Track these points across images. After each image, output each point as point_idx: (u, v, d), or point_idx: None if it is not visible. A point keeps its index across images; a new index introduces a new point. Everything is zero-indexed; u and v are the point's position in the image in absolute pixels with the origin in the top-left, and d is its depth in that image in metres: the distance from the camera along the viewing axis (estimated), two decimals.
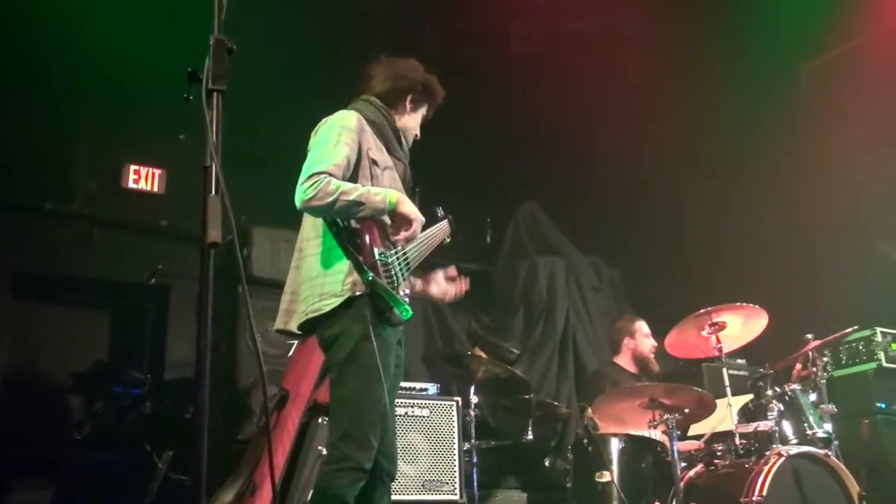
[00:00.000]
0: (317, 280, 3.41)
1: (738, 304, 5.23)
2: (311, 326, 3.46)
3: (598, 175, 8.18)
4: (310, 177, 3.30)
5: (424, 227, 3.70)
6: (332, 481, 3.22)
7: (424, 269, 3.86)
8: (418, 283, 3.88)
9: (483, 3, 7.11)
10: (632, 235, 8.57)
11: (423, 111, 3.91)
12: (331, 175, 3.31)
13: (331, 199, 3.26)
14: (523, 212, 8.82)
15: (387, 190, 3.44)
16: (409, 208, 3.46)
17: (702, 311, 5.24)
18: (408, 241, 3.53)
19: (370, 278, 3.26)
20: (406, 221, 3.47)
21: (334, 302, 3.33)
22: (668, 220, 8.19)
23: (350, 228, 3.39)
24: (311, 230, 3.54)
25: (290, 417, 4.81)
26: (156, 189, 6.90)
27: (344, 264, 3.36)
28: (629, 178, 8.15)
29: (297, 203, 3.32)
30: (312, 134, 3.61)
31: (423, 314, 7.61)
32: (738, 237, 7.78)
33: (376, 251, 3.34)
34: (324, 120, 3.61)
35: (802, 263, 7.39)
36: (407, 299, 3.47)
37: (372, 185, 3.50)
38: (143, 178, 6.87)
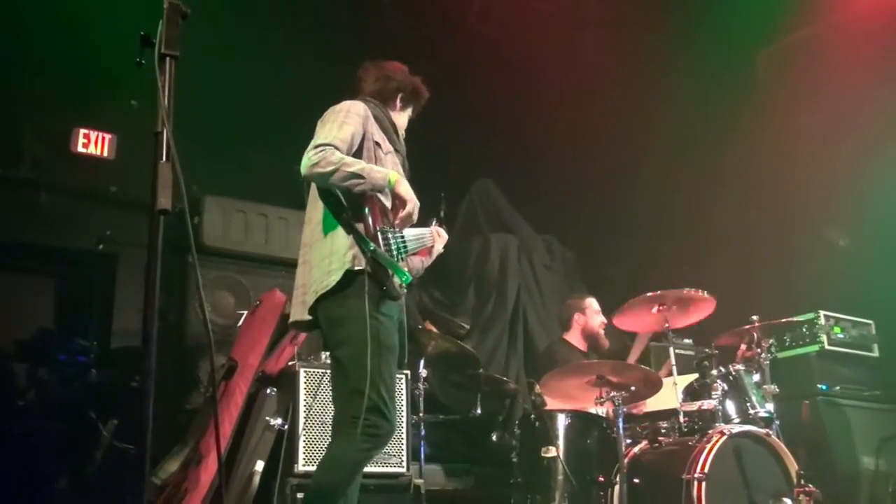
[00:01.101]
0: (324, 261, 3.53)
1: (688, 291, 5.28)
2: (315, 308, 3.56)
3: (554, 154, 8.21)
4: (316, 146, 3.47)
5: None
6: (361, 444, 3.36)
7: None
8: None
9: None
10: (585, 215, 8.62)
11: (409, 111, 4.12)
12: (334, 146, 3.48)
13: (332, 167, 3.42)
14: (478, 188, 8.82)
15: (387, 169, 3.61)
16: (407, 189, 3.60)
17: (650, 294, 5.29)
18: (404, 222, 3.64)
19: (372, 248, 3.42)
20: (402, 202, 3.60)
21: (338, 275, 3.44)
22: (621, 201, 8.25)
23: (353, 205, 3.54)
24: (314, 217, 3.69)
25: (238, 388, 4.79)
26: (106, 154, 6.76)
27: (346, 239, 3.50)
28: (584, 159, 8.19)
29: (303, 170, 3.47)
30: (321, 120, 3.72)
31: None
32: (690, 220, 7.87)
33: (377, 226, 3.49)
34: (331, 108, 3.74)
35: (751, 247, 7.50)
36: (406, 267, 3.60)
37: (376, 166, 3.64)
38: (93, 143, 6.73)
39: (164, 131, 2.27)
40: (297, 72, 6.80)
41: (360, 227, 3.49)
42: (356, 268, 3.44)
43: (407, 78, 4.08)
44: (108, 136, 6.73)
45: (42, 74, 6.45)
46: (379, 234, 3.48)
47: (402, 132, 4.07)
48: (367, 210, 3.50)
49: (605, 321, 6.25)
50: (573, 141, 8.04)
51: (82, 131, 6.68)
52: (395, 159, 3.86)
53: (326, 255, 3.53)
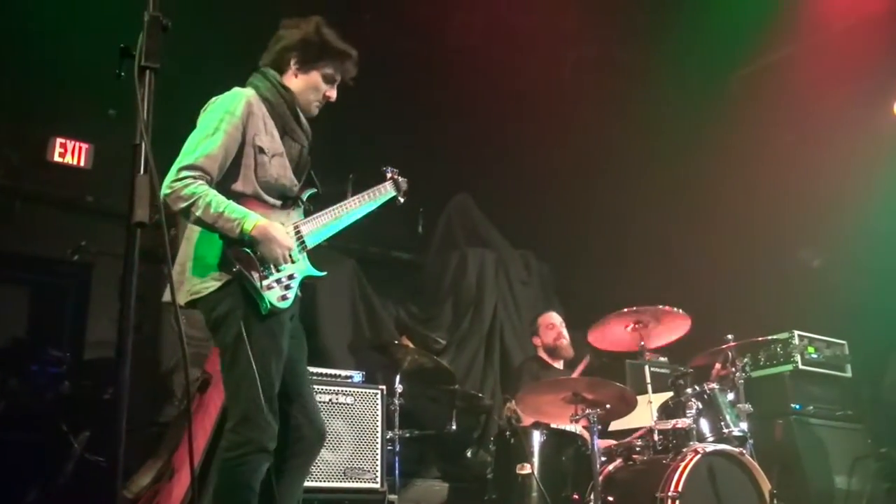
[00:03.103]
0: (200, 261, 3.28)
1: (663, 307, 5.32)
2: (193, 306, 3.33)
3: (531, 170, 8.23)
4: (177, 171, 3.14)
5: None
6: (237, 468, 3.16)
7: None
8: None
9: None
10: (562, 231, 8.65)
11: (318, 73, 3.57)
12: (200, 169, 3.16)
13: (183, 204, 3.11)
14: (456, 203, 8.84)
15: (247, 215, 3.20)
16: (268, 235, 3.23)
17: (626, 310, 5.32)
18: (272, 264, 3.31)
19: (236, 269, 3.18)
20: (265, 252, 3.25)
21: (213, 285, 3.22)
22: (598, 218, 8.29)
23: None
24: None
25: (213, 401, 4.75)
26: (82, 164, 6.74)
27: (224, 246, 3.22)
28: (562, 175, 8.23)
29: (161, 195, 3.07)
30: (202, 110, 3.42)
31: (351, 301, 7.58)
32: (665, 238, 7.91)
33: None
34: (213, 98, 3.43)
35: (725, 266, 7.54)
36: (292, 284, 3.36)
37: (256, 173, 3.35)
38: (70, 152, 6.70)
39: (143, 143, 2.26)
40: None
41: (228, 244, 3.21)
42: (234, 276, 3.20)
43: (299, 34, 3.55)
44: (84, 146, 6.70)
45: (19, 82, 6.41)
46: (245, 254, 3.21)
47: (309, 104, 3.58)
48: None
49: (563, 333, 6.30)
50: (550, 157, 8.08)
51: (59, 140, 6.65)
52: (284, 161, 3.46)
53: (201, 256, 3.27)
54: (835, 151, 7.04)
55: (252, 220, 3.19)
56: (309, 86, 3.58)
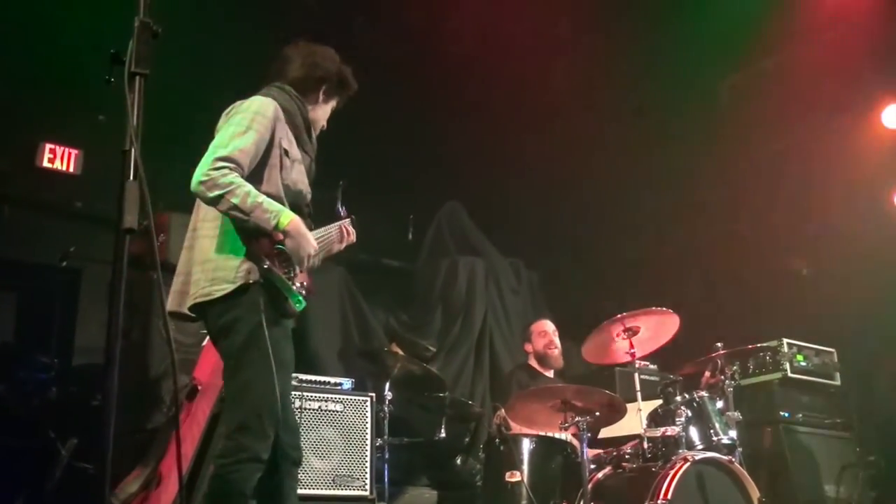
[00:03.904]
0: (209, 264, 3.30)
1: (650, 308, 5.34)
2: (199, 312, 3.35)
3: (522, 178, 8.24)
4: (213, 160, 3.19)
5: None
6: (230, 474, 3.15)
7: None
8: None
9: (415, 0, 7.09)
10: (551, 239, 8.66)
11: (333, 103, 3.80)
12: (234, 162, 3.21)
13: (218, 192, 3.14)
14: (446, 211, 8.84)
15: (283, 210, 3.29)
16: (300, 232, 3.32)
17: (616, 316, 5.33)
18: (300, 266, 3.38)
19: (266, 266, 3.20)
20: (293, 247, 3.31)
21: (226, 288, 3.23)
22: (587, 226, 8.31)
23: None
24: (209, 211, 3.38)
25: (201, 408, 4.74)
26: (72, 169, 6.71)
27: (240, 251, 3.25)
28: (552, 183, 8.24)
29: (192, 184, 3.18)
30: (224, 114, 3.51)
31: (340, 308, 7.57)
32: (655, 246, 7.94)
33: (276, 242, 3.25)
34: (238, 103, 3.49)
35: (716, 275, 7.57)
36: (303, 291, 3.39)
37: (281, 175, 3.42)
38: (59, 158, 6.67)
39: (132, 149, 2.26)
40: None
41: (255, 241, 3.24)
42: (251, 280, 3.21)
43: (335, 67, 3.73)
44: (74, 152, 6.68)
45: (8, 87, 6.38)
46: (276, 250, 3.25)
47: (319, 127, 3.76)
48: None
49: (555, 341, 6.30)
50: (541, 165, 8.09)
51: (48, 146, 6.62)
52: (301, 168, 3.56)
53: (212, 259, 3.30)
54: (823, 159, 7.08)
55: (287, 214, 3.28)
56: (325, 113, 3.77)
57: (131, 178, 2.24)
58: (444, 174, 8.32)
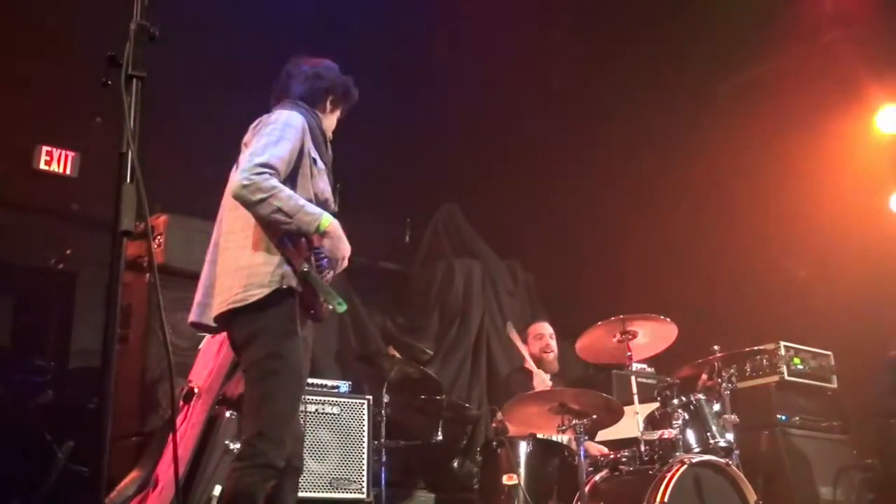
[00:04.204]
0: (242, 271, 3.35)
1: (649, 315, 5.32)
2: (227, 320, 3.40)
3: (519, 181, 8.25)
4: (253, 166, 3.26)
5: None
6: (244, 479, 3.19)
7: None
8: None
9: (413, 3, 7.10)
10: (548, 242, 8.66)
11: (338, 112, 3.89)
12: (273, 168, 3.29)
13: (261, 195, 3.22)
14: (442, 213, 8.84)
15: (323, 213, 3.38)
16: (339, 234, 3.41)
17: (613, 318, 5.32)
18: (334, 268, 3.48)
19: (306, 269, 3.28)
20: (332, 249, 3.40)
21: (262, 292, 3.28)
22: (584, 228, 8.31)
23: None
24: (236, 223, 3.47)
25: (197, 411, 4.73)
26: (69, 172, 6.70)
27: (274, 257, 3.32)
28: (549, 186, 8.25)
29: (233, 189, 3.28)
30: (251, 128, 3.57)
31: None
32: (653, 249, 7.93)
33: (312, 246, 3.35)
34: (265, 116, 3.57)
35: (713, 277, 7.57)
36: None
37: (312, 183, 3.50)
38: (56, 160, 6.66)
39: (129, 152, 2.25)
40: (265, 93, 6.78)
41: (291, 245, 3.32)
42: (285, 286, 3.28)
43: (338, 78, 3.83)
44: (71, 154, 6.67)
45: (5, 90, 6.38)
46: (313, 255, 3.34)
47: (329, 135, 3.84)
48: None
49: (551, 344, 6.28)
50: (538, 168, 8.10)
51: (45, 148, 6.61)
52: (325, 177, 3.64)
53: (245, 266, 3.35)
54: (819, 163, 7.08)
55: (327, 217, 3.37)
56: (332, 122, 3.86)
57: (128, 180, 2.24)
58: (441, 177, 8.33)
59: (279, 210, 3.24)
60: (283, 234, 3.32)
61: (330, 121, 3.84)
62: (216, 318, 3.44)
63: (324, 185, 3.59)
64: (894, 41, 6.67)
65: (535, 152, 8.05)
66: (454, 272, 8.38)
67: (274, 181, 3.26)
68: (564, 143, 7.95)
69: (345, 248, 3.44)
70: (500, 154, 8.05)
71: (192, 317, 3.54)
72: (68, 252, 5.95)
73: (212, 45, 6.59)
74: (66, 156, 6.67)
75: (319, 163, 3.59)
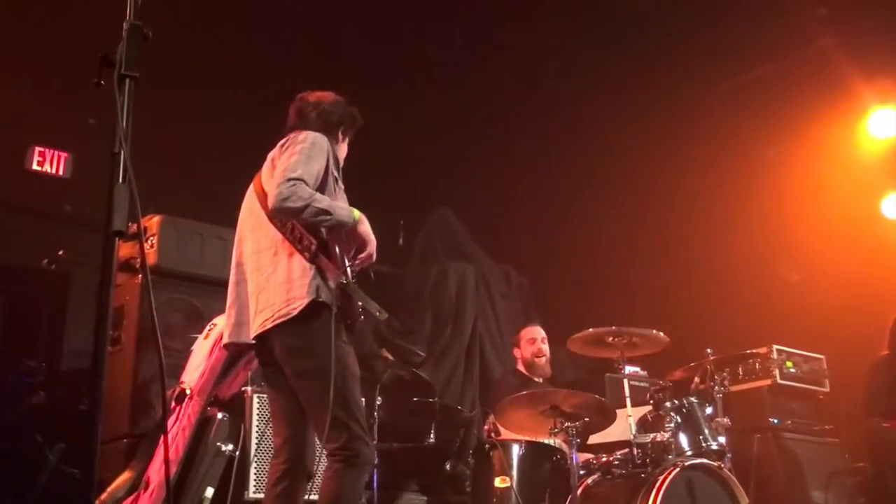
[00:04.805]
0: (282, 287, 3.51)
1: (642, 329, 5.29)
2: (269, 334, 3.53)
3: (513, 184, 8.25)
4: (287, 180, 3.41)
5: None
6: (347, 477, 3.40)
7: None
8: None
9: (404, 5, 7.09)
10: (542, 246, 8.66)
11: (347, 140, 4.06)
12: (305, 182, 3.44)
13: (303, 203, 3.38)
14: (436, 216, 8.84)
15: (351, 208, 3.62)
16: (368, 229, 3.65)
17: (605, 328, 5.30)
18: (363, 262, 3.69)
19: (345, 281, 3.47)
20: (363, 242, 3.65)
21: (302, 304, 3.44)
22: (578, 232, 8.31)
23: (315, 235, 3.53)
24: (262, 242, 3.65)
25: (189, 413, 4.72)
26: (61, 173, 6.69)
27: (308, 270, 3.49)
28: (543, 189, 8.25)
29: (273, 203, 3.42)
30: (279, 146, 3.69)
31: None
32: (647, 252, 7.94)
33: (345, 259, 3.55)
34: (293, 135, 3.69)
35: (706, 281, 7.58)
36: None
37: (335, 200, 3.65)
38: (49, 161, 6.65)
39: (122, 152, 2.25)
40: (258, 96, 6.78)
41: (324, 258, 3.49)
42: (321, 298, 3.44)
43: (346, 109, 4.02)
44: (64, 155, 6.65)
45: None
46: (348, 268, 3.53)
47: (341, 163, 4.02)
48: (336, 248, 3.53)
49: (544, 348, 6.28)
50: (532, 171, 8.10)
51: (38, 149, 6.59)
52: (344, 196, 3.84)
53: (283, 282, 3.50)
54: (811, 167, 7.10)
55: (356, 210, 3.63)
56: (344, 151, 4.04)
57: (121, 180, 2.23)
58: (435, 180, 8.33)
59: (322, 211, 3.45)
60: (316, 249, 3.50)
61: (342, 150, 4.01)
62: (257, 336, 3.58)
63: (343, 204, 3.73)
64: (885, 45, 6.69)
65: (530, 157, 8.05)
66: (448, 275, 8.38)
67: (309, 189, 3.44)
68: (558, 147, 7.95)
69: (372, 236, 3.67)
70: (494, 158, 8.06)
71: (227, 338, 3.70)
72: (60, 253, 5.92)
73: (208, 43, 6.59)
74: (59, 156, 6.65)
75: (340, 182, 3.78)
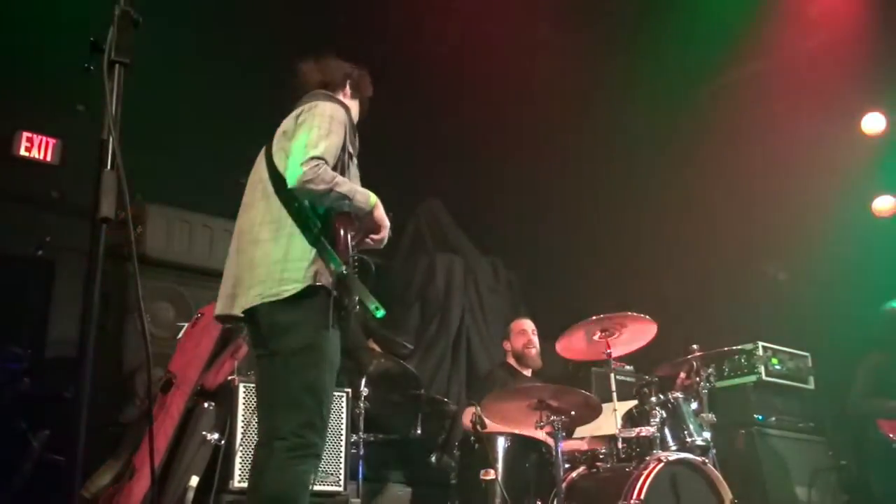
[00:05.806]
0: (277, 265, 3.38)
1: (629, 314, 5.34)
2: (256, 310, 3.42)
3: (502, 177, 8.24)
4: (310, 159, 3.32)
5: None
6: (298, 467, 3.27)
7: None
8: None
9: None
10: (530, 238, 8.66)
11: (357, 102, 3.97)
12: (326, 161, 3.36)
13: (325, 186, 3.31)
14: (425, 208, 8.82)
15: (368, 191, 3.52)
16: (383, 214, 3.57)
17: (593, 318, 5.33)
18: (375, 244, 3.62)
19: (345, 271, 3.32)
20: (377, 227, 3.57)
21: (295, 287, 3.33)
22: (566, 227, 8.32)
23: (322, 217, 3.44)
24: (265, 214, 3.50)
25: (175, 402, 4.72)
26: (49, 159, 6.64)
27: (308, 252, 3.37)
28: (532, 183, 8.24)
29: (293, 183, 3.32)
30: (293, 116, 3.60)
31: None
32: (634, 248, 7.94)
33: (351, 247, 3.40)
34: (307, 106, 3.59)
35: (692, 277, 7.60)
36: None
37: (347, 176, 3.55)
38: (36, 147, 6.60)
39: (110, 139, 2.23)
40: (251, 84, 6.76)
41: (328, 243, 3.37)
42: (318, 283, 3.33)
43: (350, 66, 3.96)
44: (52, 141, 6.61)
45: None
46: (352, 258, 3.39)
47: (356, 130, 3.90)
48: (340, 229, 3.40)
49: (534, 340, 6.30)
50: (522, 164, 8.09)
51: (25, 134, 6.55)
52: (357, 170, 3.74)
53: (279, 260, 3.37)
54: (802, 165, 7.11)
55: (373, 195, 3.55)
56: (355, 109, 3.94)
57: (109, 167, 2.22)
58: (423, 171, 8.31)
59: (343, 196, 3.37)
60: (319, 232, 3.39)
61: (353, 108, 3.89)
62: (245, 312, 3.47)
63: (355, 180, 3.66)
64: (877, 45, 6.70)
65: (519, 150, 8.04)
66: (436, 267, 8.37)
67: (331, 171, 3.36)
68: (547, 141, 7.94)
69: (386, 222, 3.61)
70: (484, 151, 8.04)
71: (219, 309, 3.56)
72: (47, 239, 5.90)
73: (198, 33, 6.56)
74: (48, 142, 6.61)
75: (354, 158, 3.68)
